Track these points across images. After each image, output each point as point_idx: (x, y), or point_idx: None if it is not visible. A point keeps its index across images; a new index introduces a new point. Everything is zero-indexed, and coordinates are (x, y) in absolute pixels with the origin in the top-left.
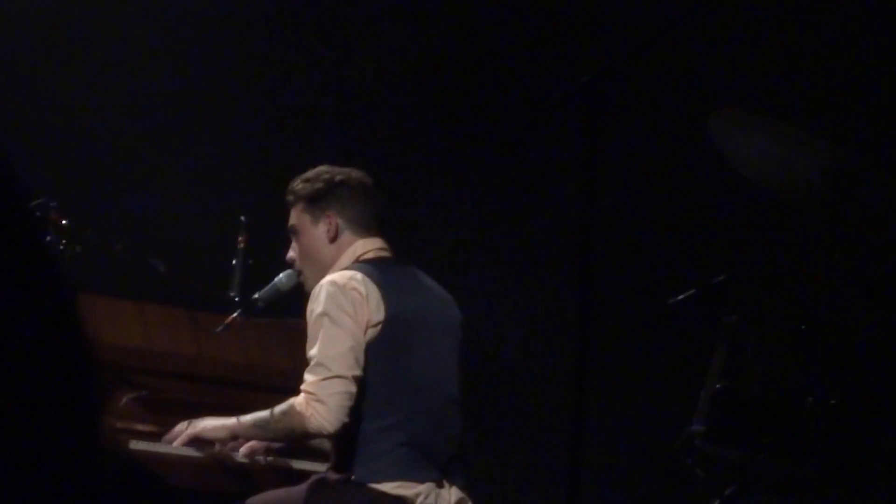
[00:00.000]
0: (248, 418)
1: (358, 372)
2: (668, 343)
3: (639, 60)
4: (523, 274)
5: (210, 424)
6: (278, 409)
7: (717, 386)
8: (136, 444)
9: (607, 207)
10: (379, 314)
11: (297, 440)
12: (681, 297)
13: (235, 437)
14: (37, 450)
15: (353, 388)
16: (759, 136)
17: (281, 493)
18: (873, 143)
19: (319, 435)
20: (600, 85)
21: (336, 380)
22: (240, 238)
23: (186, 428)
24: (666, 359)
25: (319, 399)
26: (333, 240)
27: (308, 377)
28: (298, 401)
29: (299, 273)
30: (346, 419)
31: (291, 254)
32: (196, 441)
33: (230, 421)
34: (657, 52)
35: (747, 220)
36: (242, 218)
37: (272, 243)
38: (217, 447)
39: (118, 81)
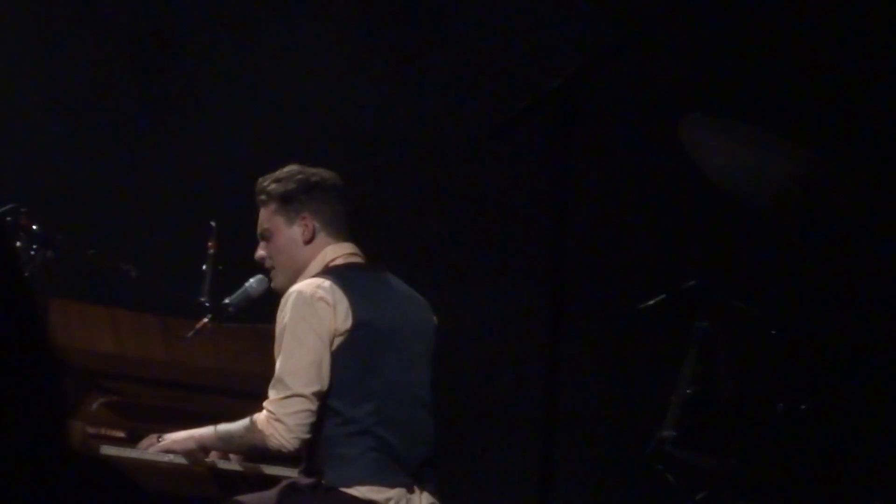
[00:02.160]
0: (214, 431)
1: (318, 387)
2: (638, 348)
3: (610, 65)
4: (494, 278)
5: (178, 437)
6: (241, 424)
7: (688, 391)
8: (107, 450)
9: (579, 212)
10: (347, 322)
11: (261, 455)
12: (651, 302)
13: (204, 448)
14: (3, 454)
15: (311, 406)
16: (730, 142)
17: (252, 498)
18: (844, 148)
19: (279, 453)
20: (571, 90)
21: (294, 399)
22: (210, 243)
23: (156, 441)
24: (636, 364)
25: (279, 419)
26: (308, 241)
27: (270, 393)
28: (260, 418)
29: (270, 270)
30: (306, 436)
31: (261, 252)
32: (197, 453)
33: (198, 432)
34: (628, 57)
35: (718, 226)
36: (212, 223)
37: (242, 248)
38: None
39: (87, 85)
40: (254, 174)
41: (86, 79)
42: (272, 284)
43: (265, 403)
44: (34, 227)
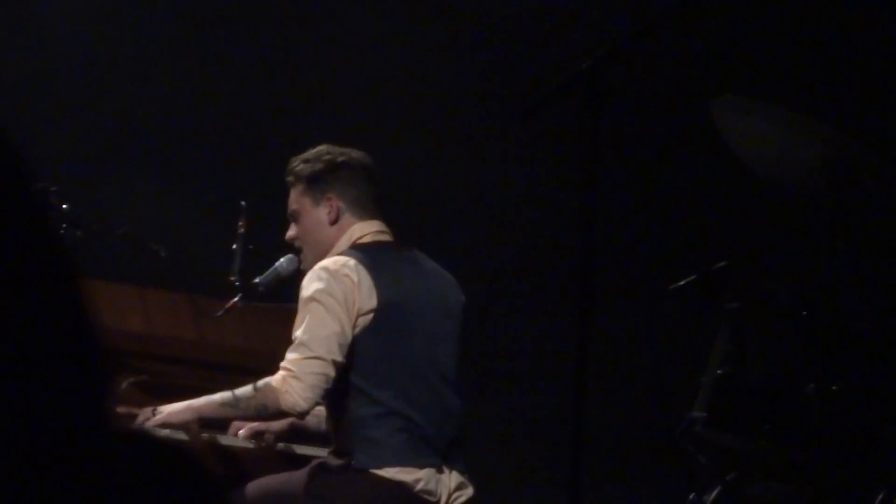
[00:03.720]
0: (214, 398)
1: (339, 358)
2: (668, 329)
3: (640, 46)
4: (523, 261)
5: (174, 408)
6: (250, 386)
7: (718, 372)
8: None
9: (608, 193)
10: (371, 301)
11: (269, 418)
12: (682, 283)
13: (202, 418)
14: (49, 438)
15: (331, 372)
16: (760, 123)
17: (282, 477)
18: (874, 131)
19: (292, 412)
20: (601, 70)
21: (316, 361)
22: (240, 222)
23: (151, 415)
24: (667, 345)
25: (296, 376)
26: (334, 222)
27: (289, 355)
28: (275, 377)
29: (299, 252)
30: (320, 400)
31: (291, 233)
32: (192, 424)
33: (196, 402)
34: (659, 38)
35: (749, 207)
36: (243, 202)
37: (273, 228)
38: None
39: (118, 65)
40: (285, 153)
41: (119, 55)
42: (302, 265)
43: (283, 363)
44: (64, 206)
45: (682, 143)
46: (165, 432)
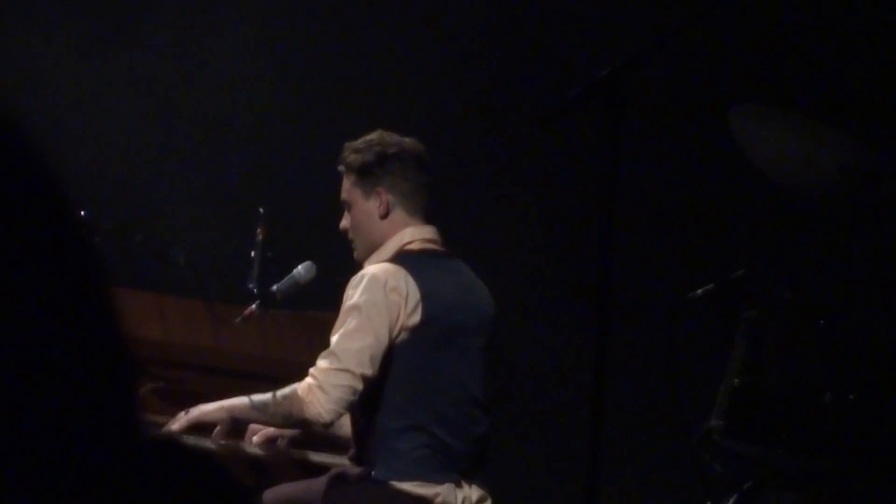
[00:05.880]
0: (247, 400)
1: (369, 371)
2: (686, 338)
3: (659, 54)
4: (542, 266)
5: (208, 408)
6: (280, 392)
7: (736, 381)
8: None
9: (627, 201)
10: (415, 317)
11: (294, 426)
12: (700, 291)
13: (235, 419)
14: (76, 445)
15: (358, 386)
16: (779, 131)
17: (300, 485)
18: (893, 140)
19: (316, 423)
20: (620, 79)
21: (344, 373)
22: (258, 230)
23: (184, 415)
24: (684, 353)
25: (322, 387)
26: (385, 216)
27: (319, 362)
28: (302, 386)
29: (352, 241)
30: (344, 412)
31: (344, 223)
32: (203, 428)
33: (230, 402)
34: (678, 46)
35: (767, 215)
36: (261, 209)
37: (291, 235)
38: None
39: (136, 69)
40: (303, 160)
41: (133, 59)
42: (354, 255)
43: (312, 370)
44: (81, 212)
45: (700, 150)
46: (191, 440)
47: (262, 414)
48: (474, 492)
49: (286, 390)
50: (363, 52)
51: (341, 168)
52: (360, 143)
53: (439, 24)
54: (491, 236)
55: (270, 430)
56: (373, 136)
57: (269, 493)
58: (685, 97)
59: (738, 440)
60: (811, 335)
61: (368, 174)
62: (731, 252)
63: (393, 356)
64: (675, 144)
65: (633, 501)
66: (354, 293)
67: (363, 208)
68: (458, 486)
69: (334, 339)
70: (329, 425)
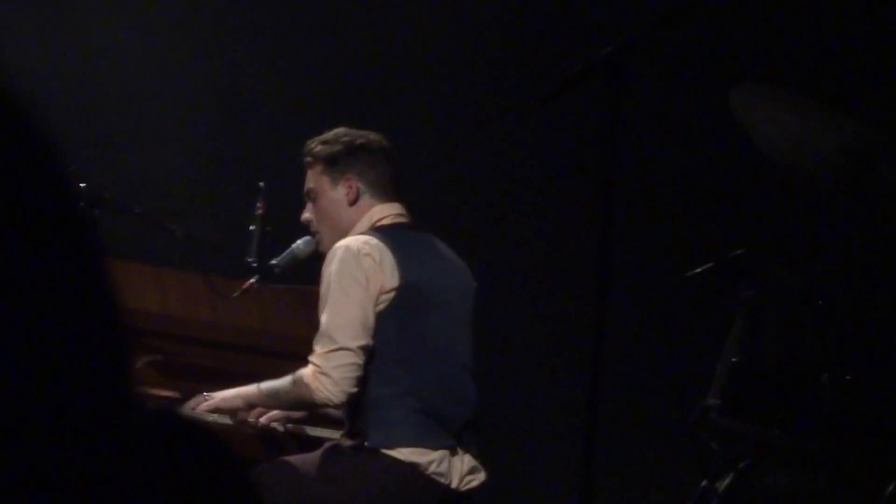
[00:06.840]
0: (263, 387)
1: (364, 341)
2: (684, 316)
3: (660, 33)
4: (539, 246)
5: (227, 395)
6: (288, 379)
7: (734, 360)
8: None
9: (626, 179)
10: (393, 280)
11: (308, 409)
12: (698, 270)
13: (252, 406)
14: (71, 416)
15: (358, 359)
16: (780, 111)
17: (294, 459)
18: (893, 119)
19: (326, 406)
20: (621, 57)
21: (340, 352)
22: (258, 204)
23: (203, 400)
24: (682, 332)
25: (325, 372)
26: (353, 202)
27: (315, 347)
28: (306, 372)
29: (315, 233)
30: (353, 390)
31: (307, 215)
32: (242, 411)
33: (244, 390)
34: (679, 25)
35: (766, 194)
36: (261, 184)
37: (291, 209)
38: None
39: (136, 42)
40: (304, 135)
41: (139, 34)
42: (319, 247)
43: (310, 357)
44: (81, 185)
45: (700, 130)
46: (213, 417)
47: (275, 400)
48: (467, 461)
49: (293, 377)
50: (363, 32)
51: (308, 160)
52: (325, 136)
53: (440, 2)
54: (488, 216)
55: (275, 412)
56: (338, 130)
57: (265, 467)
58: (685, 76)
59: (735, 419)
60: (809, 315)
61: (337, 162)
62: (730, 231)
63: (377, 323)
64: (675, 123)
65: (630, 480)
66: (330, 269)
67: (331, 196)
68: (453, 453)
69: (323, 319)
70: (342, 405)
